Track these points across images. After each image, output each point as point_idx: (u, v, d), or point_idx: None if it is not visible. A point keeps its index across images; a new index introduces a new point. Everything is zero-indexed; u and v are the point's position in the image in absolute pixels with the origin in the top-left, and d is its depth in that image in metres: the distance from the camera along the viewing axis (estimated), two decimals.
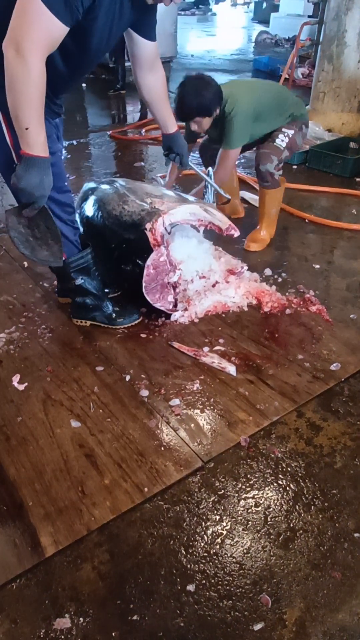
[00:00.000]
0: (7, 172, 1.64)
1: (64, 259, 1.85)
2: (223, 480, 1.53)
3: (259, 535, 1.38)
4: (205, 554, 1.33)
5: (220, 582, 1.27)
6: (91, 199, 2.31)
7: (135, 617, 1.20)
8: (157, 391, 1.83)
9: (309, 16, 9.07)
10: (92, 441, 1.63)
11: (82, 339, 2.10)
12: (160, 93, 2.01)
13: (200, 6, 18.01)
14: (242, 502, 1.46)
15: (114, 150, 4.57)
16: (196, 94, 2.32)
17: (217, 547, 1.35)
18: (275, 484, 1.52)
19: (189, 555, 1.33)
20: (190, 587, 1.26)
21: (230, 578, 1.28)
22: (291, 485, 1.52)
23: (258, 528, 1.40)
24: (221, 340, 2.08)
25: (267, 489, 1.50)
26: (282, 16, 11.08)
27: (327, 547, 1.35)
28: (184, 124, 2.45)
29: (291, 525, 1.41)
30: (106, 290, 2.19)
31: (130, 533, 1.38)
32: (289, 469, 1.56)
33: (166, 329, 2.16)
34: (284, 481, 1.53)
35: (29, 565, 1.29)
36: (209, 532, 1.38)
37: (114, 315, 2.14)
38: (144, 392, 1.82)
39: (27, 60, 1.34)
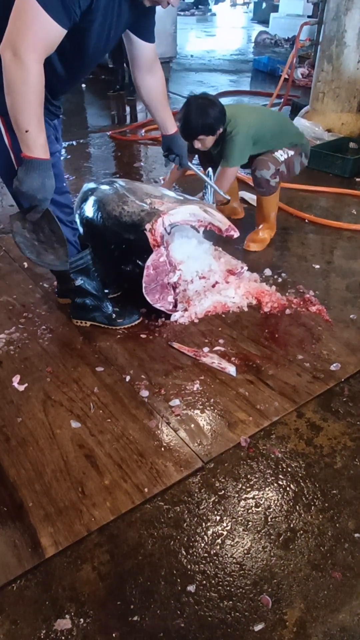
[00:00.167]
0: (7, 175, 1.64)
1: None
2: (223, 480, 1.53)
3: (259, 535, 1.38)
4: (206, 555, 1.33)
5: (220, 583, 1.27)
6: (91, 200, 2.31)
7: (135, 618, 1.20)
8: (157, 391, 1.83)
9: (308, 16, 9.10)
10: (92, 442, 1.63)
11: (82, 339, 2.10)
12: (159, 94, 2.02)
13: (199, 6, 18.04)
14: (242, 503, 1.46)
15: (114, 150, 4.57)
16: (201, 112, 2.36)
17: (218, 547, 1.35)
18: (275, 485, 1.52)
19: (189, 556, 1.33)
20: (191, 588, 1.26)
21: (231, 578, 1.28)
22: (291, 486, 1.52)
23: (258, 528, 1.40)
24: (221, 341, 2.08)
25: (267, 489, 1.50)
26: (282, 16, 11.13)
27: (327, 548, 1.35)
28: None
29: (291, 525, 1.41)
30: (106, 291, 2.19)
31: (130, 533, 1.38)
32: (289, 470, 1.56)
33: (166, 329, 2.16)
34: (284, 481, 1.53)
35: (29, 566, 1.29)
36: (209, 532, 1.38)
37: (113, 315, 2.14)
38: (144, 393, 1.82)
39: (25, 63, 1.34)
